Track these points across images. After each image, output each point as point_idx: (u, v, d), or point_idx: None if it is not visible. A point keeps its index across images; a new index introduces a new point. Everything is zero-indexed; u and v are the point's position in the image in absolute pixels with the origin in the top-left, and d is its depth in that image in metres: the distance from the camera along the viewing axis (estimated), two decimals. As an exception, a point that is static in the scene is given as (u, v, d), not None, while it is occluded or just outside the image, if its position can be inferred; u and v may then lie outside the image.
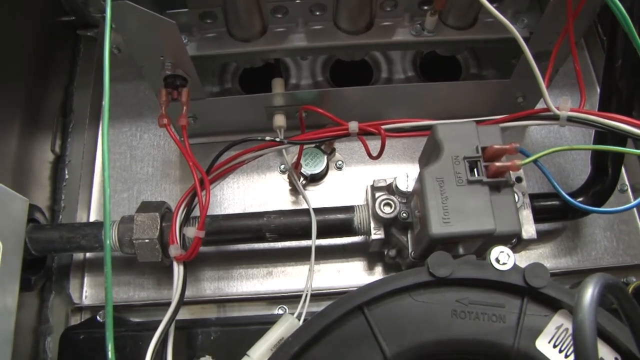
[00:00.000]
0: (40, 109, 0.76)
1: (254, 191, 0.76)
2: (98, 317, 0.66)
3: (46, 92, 0.78)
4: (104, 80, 0.45)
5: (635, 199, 0.75)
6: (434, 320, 0.47)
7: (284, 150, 0.72)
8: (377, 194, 0.62)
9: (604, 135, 0.63)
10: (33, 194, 0.71)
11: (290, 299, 0.70)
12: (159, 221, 0.62)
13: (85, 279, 0.72)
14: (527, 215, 0.60)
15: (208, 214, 0.61)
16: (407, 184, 0.61)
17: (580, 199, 0.66)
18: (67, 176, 0.77)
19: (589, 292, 0.34)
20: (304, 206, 0.71)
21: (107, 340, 0.36)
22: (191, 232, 0.59)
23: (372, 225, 0.63)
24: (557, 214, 0.68)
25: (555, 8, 0.57)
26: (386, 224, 0.62)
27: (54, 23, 0.82)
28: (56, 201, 0.75)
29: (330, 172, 0.76)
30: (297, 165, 0.71)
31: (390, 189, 0.62)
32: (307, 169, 0.73)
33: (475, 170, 0.53)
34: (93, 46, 0.85)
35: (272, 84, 0.72)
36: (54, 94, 0.80)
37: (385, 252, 0.66)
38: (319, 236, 0.64)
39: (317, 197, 0.74)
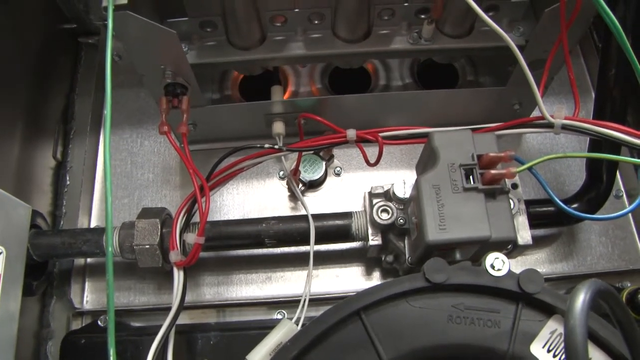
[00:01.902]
0: (41, 116, 0.76)
1: (253, 197, 0.76)
2: (99, 322, 0.67)
3: (47, 99, 0.78)
4: (106, 89, 0.46)
5: (630, 204, 0.75)
6: (430, 325, 0.48)
7: (282, 157, 0.73)
8: (374, 201, 0.63)
9: (599, 142, 0.64)
10: (35, 200, 0.71)
11: (289, 303, 0.70)
12: (159, 227, 0.62)
13: (86, 284, 0.72)
14: (522, 221, 0.60)
15: (208, 220, 0.61)
16: (404, 190, 0.61)
17: (575, 206, 0.66)
18: (68, 182, 0.77)
19: (581, 298, 0.35)
20: (303, 212, 0.71)
21: (108, 346, 0.37)
22: (191, 238, 0.59)
23: (370, 231, 0.63)
24: (552, 219, 0.69)
25: (549, 17, 0.57)
26: (383, 230, 0.63)
27: (55, 31, 0.83)
28: (57, 207, 0.76)
29: (328, 179, 0.77)
30: (295, 171, 0.71)
31: (388, 196, 0.63)
32: (306, 176, 0.73)
33: (471, 177, 0.54)
34: (94, 53, 0.86)
35: (271, 91, 0.72)
36: (56, 101, 0.80)
37: (383, 258, 0.67)
38: (317, 242, 0.65)
39: (316, 203, 0.75)
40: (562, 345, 0.47)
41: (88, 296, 0.72)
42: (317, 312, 0.50)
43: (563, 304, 0.47)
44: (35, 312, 0.69)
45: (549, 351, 0.47)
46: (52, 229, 0.72)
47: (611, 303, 0.38)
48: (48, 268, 0.69)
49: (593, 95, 0.82)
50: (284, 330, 0.58)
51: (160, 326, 0.55)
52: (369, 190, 0.65)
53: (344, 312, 0.48)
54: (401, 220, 0.61)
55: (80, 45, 0.87)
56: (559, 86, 0.82)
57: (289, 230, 0.65)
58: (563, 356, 0.46)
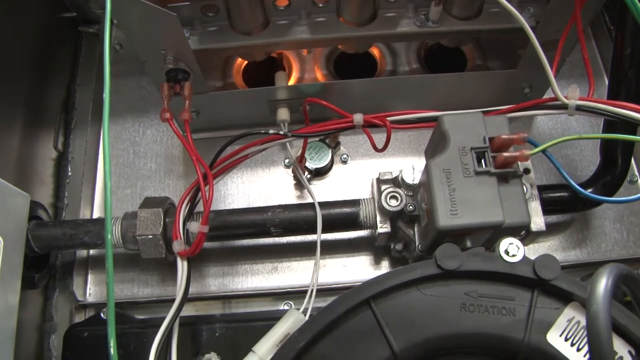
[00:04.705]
0: (42, 106, 0.75)
1: (258, 186, 0.75)
2: (102, 315, 0.66)
3: (48, 89, 0.77)
4: (104, 72, 0.44)
5: (645, 189, 0.74)
6: (442, 314, 0.46)
7: (288, 144, 0.71)
8: (382, 187, 0.61)
9: (613, 124, 0.62)
10: (36, 191, 0.70)
11: (296, 294, 0.69)
12: (162, 217, 0.61)
13: (89, 276, 0.72)
14: (535, 207, 0.59)
15: (212, 209, 0.60)
16: (413, 176, 0.60)
17: (590, 190, 0.65)
18: (70, 173, 0.76)
19: (603, 283, 0.34)
20: (309, 200, 0.70)
21: (109, 336, 0.36)
22: (195, 227, 0.58)
23: (378, 218, 0.62)
24: (566, 205, 0.67)
25: (562, -4, 0.56)
26: (392, 217, 0.61)
27: (55, 20, 0.82)
28: (59, 198, 0.75)
29: (335, 166, 0.75)
30: (301, 159, 0.70)
31: (396, 182, 0.62)
32: (312, 163, 0.72)
33: (482, 161, 0.52)
34: (95, 43, 0.85)
35: (275, 77, 0.71)
36: (56, 91, 0.79)
37: (392, 246, 0.65)
38: (324, 230, 0.63)
39: (322, 191, 0.74)
40: (581, 333, 0.45)
41: (91, 289, 0.71)
42: (325, 302, 0.49)
43: (580, 291, 0.45)
44: (38, 305, 0.68)
45: (566, 340, 0.45)
46: (53, 220, 0.71)
47: (634, 288, 0.37)
48: (50, 260, 0.68)
49: (605, 79, 0.80)
50: (292, 321, 0.57)
51: (164, 318, 0.54)
52: (377, 176, 0.63)
53: (353, 300, 0.47)
54: (410, 207, 0.59)
55: (81, 35, 0.85)
56: (569, 70, 0.80)
57: (295, 219, 0.64)
58: (582, 344, 0.45)
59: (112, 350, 0.36)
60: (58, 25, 0.82)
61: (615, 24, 0.67)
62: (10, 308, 0.54)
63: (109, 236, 0.37)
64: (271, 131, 0.63)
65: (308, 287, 0.61)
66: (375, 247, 0.70)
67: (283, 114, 0.70)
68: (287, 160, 0.76)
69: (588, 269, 0.70)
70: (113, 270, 0.39)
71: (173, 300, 0.56)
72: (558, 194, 0.66)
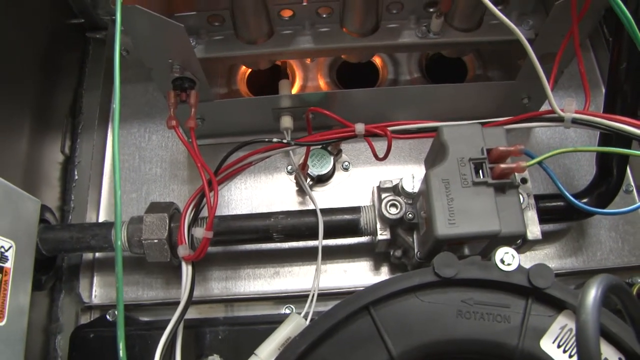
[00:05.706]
0: (49, 111, 0.77)
1: (261, 192, 0.76)
2: (107, 316, 0.67)
3: (55, 94, 0.79)
4: (115, 83, 0.46)
5: (640, 199, 0.75)
6: (439, 320, 0.48)
7: (291, 152, 0.72)
8: (383, 195, 0.63)
9: (609, 136, 0.63)
10: (43, 195, 0.71)
11: (297, 298, 0.70)
12: (167, 222, 0.62)
13: (95, 279, 0.73)
14: (532, 216, 0.60)
15: (216, 214, 0.61)
16: (413, 185, 0.61)
17: (585, 200, 0.66)
18: (76, 177, 0.78)
19: (592, 293, 0.35)
20: (311, 207, 0.71)
21: (118, 339, 0.37)
22: (199, 232, 0.59)
23: (378, 225, 0.63)
24: (562, 214, 0.68)
25: (559, 10, 0.57)
26: (392, 224, 0.63)
27: (63, 26, 0.83)
28: (66, 202, 0.76)
29: (336, 173, 0.77)
30: (304, 166, 0.71)
31: (396, 190, 0.63)
32: (314, 170, 0.73)
33: (480, 171, 0.53)
34: (102, 48, 0.86)
35: (279, 85, 0.72)
36: (64, 96, 0.81)
37: (391, 253, 0.67)
38: (325, 236, 0.64)
39: (324, 197, 0.75)
40: (573, 340, 0.46)
41: (96, 291, 0.72)
42: (325, 307, 0.50)
43: (573, 299, 0.47)
44: (44, 307, 0.70)
45: (559, 346, 0.46)
46: (60, 223, 0.72)
47: (623, 298, 0.38)
48: (57, 263, 0.70)
49: (603, 90, 0.82)
50: (293, 325, 0.58)
51: (168, 321, 0.55)
52: (378, 184, 0.64)
53: (353, 306, 0.48)
54: (410, 215, 0.61)
55: (88, 41, 0.87)
56: (568, 80, 0.81)
57: (298, 225, 0.65)
58: (573, 351, 0.46)
59: (121, 352, 0.37)
60: (65, 31, 0.83)
61: (612, 37, 0.68)
62: (22, 309, 0.55)
63: (119, 242, 0.39)
64: (275, 139, 0.64)
65: (309, 291, 0.62)
66: (375, 254, 0.71)
67: (286, 121, 0.71)
68: (289, 167, 0.77)
69: (583, 277, 0.71)
70: (122, 275, 0.40)
71: (177, 303, 0.57)
72: (554, 204, 0.67)
